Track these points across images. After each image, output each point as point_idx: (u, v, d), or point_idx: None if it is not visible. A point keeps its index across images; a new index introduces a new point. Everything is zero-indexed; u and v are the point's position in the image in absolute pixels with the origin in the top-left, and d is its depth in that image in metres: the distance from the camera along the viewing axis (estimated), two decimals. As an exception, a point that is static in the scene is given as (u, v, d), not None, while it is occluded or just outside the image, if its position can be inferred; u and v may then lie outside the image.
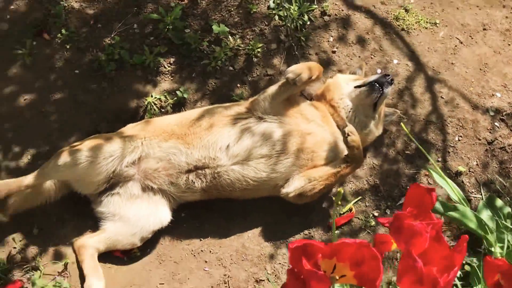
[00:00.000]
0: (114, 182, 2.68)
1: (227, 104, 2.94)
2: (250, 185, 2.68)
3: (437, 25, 3.50)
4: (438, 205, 2.73)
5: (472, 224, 2.67)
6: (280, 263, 2.73)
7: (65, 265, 2.66)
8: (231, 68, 3.26)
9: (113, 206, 2.67)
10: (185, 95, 3.13)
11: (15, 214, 2.77)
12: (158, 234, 2.77)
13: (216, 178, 2.66)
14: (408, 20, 3.49)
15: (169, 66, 3.24)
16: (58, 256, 2.69)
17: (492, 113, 3.20)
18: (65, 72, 3.19)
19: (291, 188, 2.70)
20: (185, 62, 3.25)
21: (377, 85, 2.84)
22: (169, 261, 2.73)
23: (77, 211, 2.81)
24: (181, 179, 2.66)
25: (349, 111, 2.89)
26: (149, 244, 2.76)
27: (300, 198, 2.73)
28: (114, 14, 3.35)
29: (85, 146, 2.62)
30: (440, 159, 3.07)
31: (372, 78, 2.89)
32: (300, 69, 2.72)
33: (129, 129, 2.77)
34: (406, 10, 3.53)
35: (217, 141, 2.65)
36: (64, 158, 2.59)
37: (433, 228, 1.42)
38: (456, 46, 3.43)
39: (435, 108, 3.21)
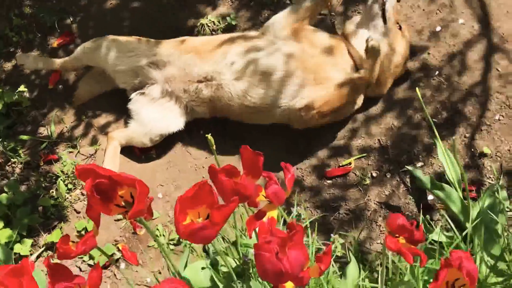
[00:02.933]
0: (142, 81, 3.05)
1: (251, 33, 3.06)
2: (247, 101, 2.87)
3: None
4: (426, 180, 2.62)
5: (455, 208, 2.51)
6: (265, 195, 2.90)
7: (96, 150, 3.17)
8: (288, 1, 3.31)
9: (137, 104, 3.06)
10: (233, 22, 3.30)
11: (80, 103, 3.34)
12: (173, 142, 3.12)
13: (219, 90, 2.88)
14: None
15: (233, -9, 3.41)
16: (94, 142, 3.21)
17: (550, 98, 2.81)
18: (148, -16, 3.56)
19: (299, 98, 2.79)
20: (247, -11, 3.39)
21: None
22: (174, 168, 3.08)
23: (120, 108, 3.26)
24: (192, 86, 2.93)
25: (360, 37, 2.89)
26: (165, 150, 3.13)
27: (306, 114, 2.80)
28: None
29: (113, 39, 3.06)
30: (468, 135, 2.84)
31: None
32: None
33: (166, 41, 3.08)
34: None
35: (226, 58, 2.86)
36: (91, 42, 3.11)
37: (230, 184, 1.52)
38: None
39: (485, 80, 2.91)
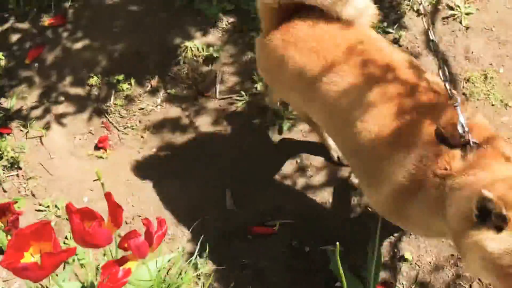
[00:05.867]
0: None
1: None
2: None
3: (507, 107, 3.02)
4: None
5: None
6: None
7: (42, 135, 3.20)
8: (273, 50, 3.31)
9: None
10: (215, 54, 3.31)
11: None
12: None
13: None
14: (478, 87, 3.07)
15: (226, 25, 3.43)
16: (46, 127, 3.24)
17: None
18: (150, -7, 3.59)
19: None
20: (240, 27, 3.39)
21: None
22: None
23: (82, 101, 3.28)
24: None
25: None
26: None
27: None
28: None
29: None
30: (396, 234, 2.80)
31: None
32: None
33: None
34: (485, 77, 3.09)
35: None
36: None
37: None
38: (509, 138, 2.94)
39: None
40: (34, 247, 1.50)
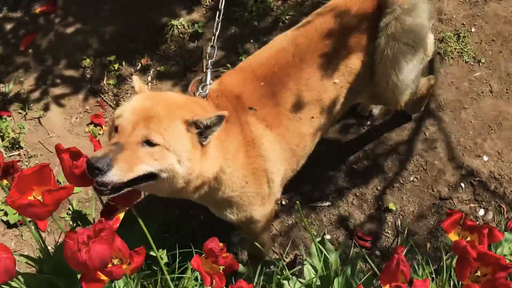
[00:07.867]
0: None
1: None
2: None
3: (480, 63, 3.17)
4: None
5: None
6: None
7: (40, 116, 3.35)
8: (255, 23, 3.46)
9: None
10: (200, 30, 3.46)
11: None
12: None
13: None
14: (452, 46, 3.22)
15: (209, 2, 3.58)
16: (44, 109, 3.39)
17: (464, 172, 2.91)
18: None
19: None
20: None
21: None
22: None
23: (78, 82, 3.43)
24: None
25: None
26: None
27: None
28: None
29: None
30: (380, 188, 2.95)
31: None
32: None
33: None
34: (458, 36, 3.24)
35: None
36: None
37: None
38: (482, 92, 3.10)
39: (411, 141, 3.03)
40: (36, 192, 1.66)
